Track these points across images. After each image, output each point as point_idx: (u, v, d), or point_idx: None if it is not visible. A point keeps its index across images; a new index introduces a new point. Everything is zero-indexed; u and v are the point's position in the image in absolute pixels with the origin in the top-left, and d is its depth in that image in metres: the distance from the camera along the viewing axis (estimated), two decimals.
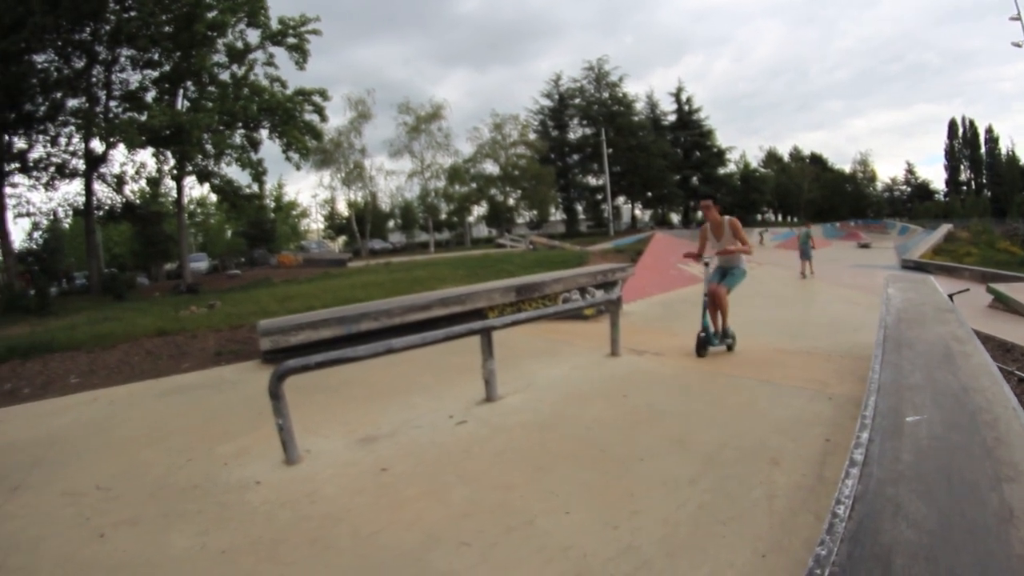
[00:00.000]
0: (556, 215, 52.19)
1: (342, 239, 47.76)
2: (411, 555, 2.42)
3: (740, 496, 2.69)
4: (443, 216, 45.67)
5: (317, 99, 21.60)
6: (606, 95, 49.74)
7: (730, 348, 5.93)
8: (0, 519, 3.27)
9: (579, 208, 52.12)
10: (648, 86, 73.04)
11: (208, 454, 3.84)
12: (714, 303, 5.82)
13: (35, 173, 19.71)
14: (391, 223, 51.04)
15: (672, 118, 53.67)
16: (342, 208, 44.98)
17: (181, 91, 19.93)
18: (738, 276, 5.94)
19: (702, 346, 5.69)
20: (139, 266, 29.66)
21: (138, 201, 23.24)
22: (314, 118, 21.82)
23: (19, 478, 3.86)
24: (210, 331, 8.34)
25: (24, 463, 4.15)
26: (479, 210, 47.66)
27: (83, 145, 19.74)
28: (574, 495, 2.81)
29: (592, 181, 50.67)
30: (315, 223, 50.47)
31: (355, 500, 2.95)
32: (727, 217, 5.86)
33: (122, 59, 19.65)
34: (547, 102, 51.13)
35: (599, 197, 49.39)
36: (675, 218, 55.31)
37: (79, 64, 18.93)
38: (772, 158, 63.06)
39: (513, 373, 4.32)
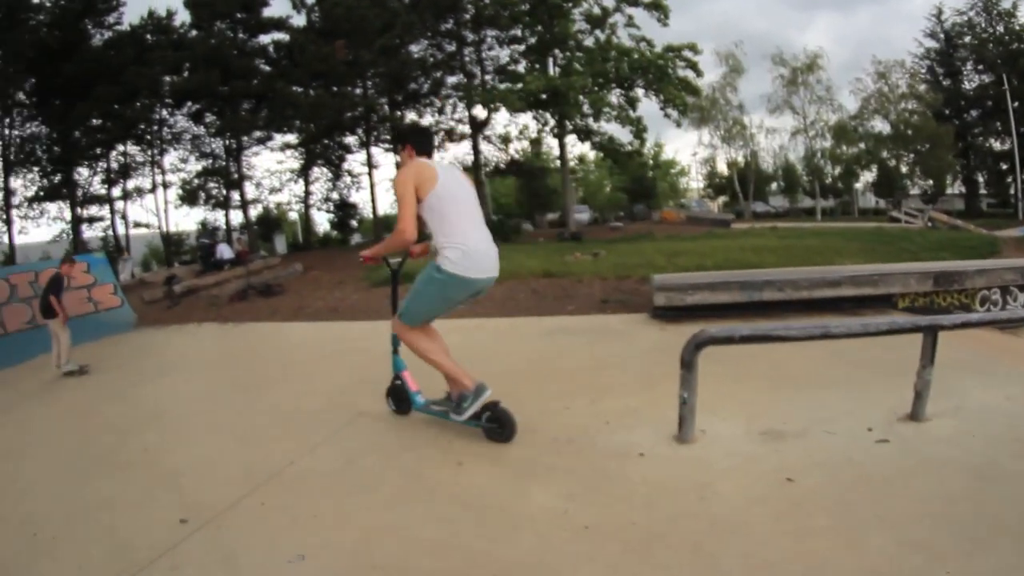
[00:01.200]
0: (952, 187, 39.85)
1: (721, 199, 46.36)
2: None
3: None
4: (827, 180, 39.83)
5: (688, 54, 20.81)
6: (1000, 29, 34.60)
7: (489, 430, 3.20)
8: (365, 420, 3.69)
9: (980, 180, 38.67)
10: None
11: (589, 407, 3.70)
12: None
13: None
14: (772, 185, 46.92)
15: None
16: (721, 167, 43.29)
17: (551, 59, 21.55)
18: (419, 290, 3.21)
19: (394, 399, 3.82)
20: (523, 215, 34.03)
21: (522, 159, 26.56)
22: (688, 74, 21.20)
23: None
24: (596, 278, 8.49)
25: None
26: (866, 176, 40.31)
27: (466, 113, 23.49)
28: None
29: (996, 145, 36.61)
30: (694, 181, 49.70)
31: (752, 511, 2.42)
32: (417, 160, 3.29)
33: (488, 39, 22.55)
34: (932, 43, 37.99)
35: (1004, 167, 35.52)
36: None
37: (450, 48, 22.52)
38: None
39: (936, 386, 3.19)
